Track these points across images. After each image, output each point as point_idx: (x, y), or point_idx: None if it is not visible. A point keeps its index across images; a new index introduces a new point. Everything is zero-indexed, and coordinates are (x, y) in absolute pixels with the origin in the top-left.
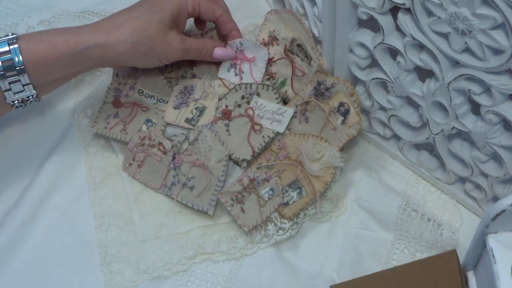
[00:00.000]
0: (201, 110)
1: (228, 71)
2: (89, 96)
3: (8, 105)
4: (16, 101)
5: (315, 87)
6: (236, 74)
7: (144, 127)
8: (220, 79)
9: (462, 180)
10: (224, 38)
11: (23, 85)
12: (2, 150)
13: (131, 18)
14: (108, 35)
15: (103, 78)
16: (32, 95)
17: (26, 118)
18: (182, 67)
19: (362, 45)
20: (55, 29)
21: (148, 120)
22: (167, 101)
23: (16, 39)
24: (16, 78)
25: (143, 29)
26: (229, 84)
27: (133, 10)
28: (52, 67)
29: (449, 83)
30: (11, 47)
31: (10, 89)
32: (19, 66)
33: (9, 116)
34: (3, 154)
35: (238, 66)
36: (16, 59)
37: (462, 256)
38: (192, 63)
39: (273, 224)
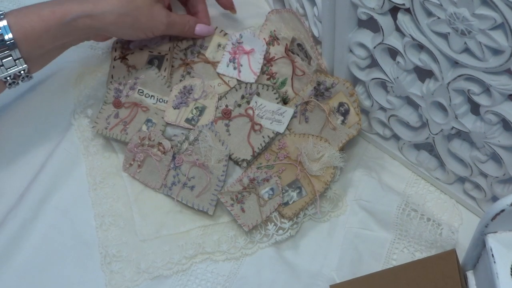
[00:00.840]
0: (201, 110)
1: (227, 66)
2: (89, 96)
3: (0, 82)
4: (9, 78)
5: (315, 87)
6: (235, 68)
7: (144, 127)
8: (220, 76)
9: (461, 180)
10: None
11: (15, 60)
12: (3, 150)
13: None
14: (95, 4)
15: (103, 78)
16: (24, 70)
17: (27, 118)
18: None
19: (362, 45)
20: (42, 2)
21: (148, 120)
22: (167, 101)
23: (3, 15)
24: (7, 53)
25: (130, 1)
26: (228, 81)
27: None
28: (42, 40)
29: (449, 83)
30: (0, 23)
31: (2, 65)
32: (10, 41)
33: (9, 116)
34: (4, 154)
35: (236, 60)
36: (6, 36)
37: (461, 256)
38: (190, 63)
39: (273, 224)
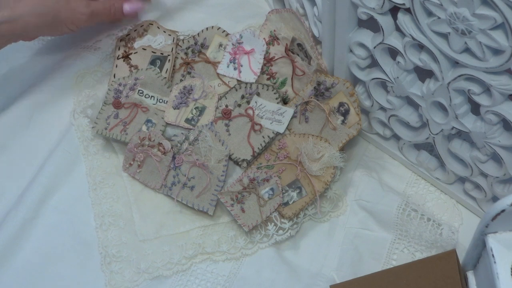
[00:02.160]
0: (201, 110)
1: (228, 66)
2: (89, 96)
3: None
4: None
5: (315, 87)
6: (235, 69)
7: (144, 128)
8: (219, 77)
9: (461, 180)
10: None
11: None
12: (3, 150)
13: None
14: (13, 9)
15: (103, 78)
16: None
17: (27, 119)
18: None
19: (362, 45)
20: None
21: (148, 121)
22: (167, 102)
23: None
24: None
25: None
26: (228, 81)
27: None
28: None
29: (449, 83)
30: None
31: None
32: None
33: (9, 116)
34: (4, 154)
35: (237, 61)
36: None
37: (461, 256)
38: (190, 63)
39: (273, 224)
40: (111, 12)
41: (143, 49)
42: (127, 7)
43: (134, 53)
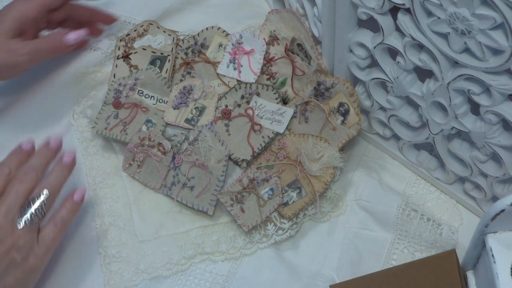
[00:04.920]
0: (201, 110)
1: (227, 66)
2: (89, 96)
3: None
4: None
5: (315, 87)
6: (235, 69)
7: (144, 128)
8: (219, 77)
9: (461, 180)
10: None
11: None
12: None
13: None
14: None
15: (103, 78)
16: None
17: (27, 119)
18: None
19: (362, 45)
20: None
21: (148, 121)
22: (167, 101)
23: None
24: None
25: None
26: (228, 82)
27: None
28: None
29: (449, 83)
30: None
31: None
32: None
33: (9, 117)
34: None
35: (237, 61)
36: None
37: (461, 256)
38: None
39: (272, 224)
40: (55, 47)
41: (143, 49)
42: (70, 37)
43: (134, 53)
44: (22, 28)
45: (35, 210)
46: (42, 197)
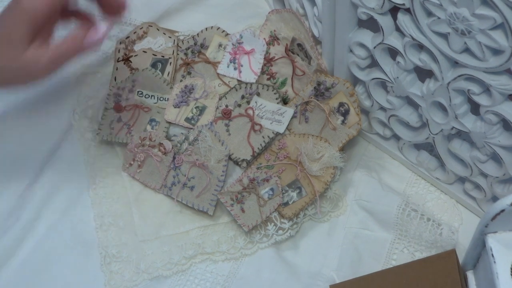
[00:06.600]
0: (201, 110)
1: (228, 66)
2: (89, 96)
3: None
4: None
5: (315, 87)
6: (235, 69)
7: (148, 127)
8: (220, 77)
9: (461, 180)
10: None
11: None
12: (3, 151)
13: None
14: None
15: (103, 79)
16: None
17: (27, 119)
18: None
19: (362, 45)
20: None
21: (152, 120)
22: (168, 98)
23: None
24: None
25: None
26: (229, 81)
27: None
28: None
29: (449, 83)
30: None
31: None
32: None
33: (9, 117)
34: (4, 155)
35: (237, 61)
36: None
37: (461, 256)
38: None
39: (273, 224)
40: (75, 49)
41: (143, 51)
42: (91, 39)
43: (135, 56)
44: (34, 31)
45: None
46: None
